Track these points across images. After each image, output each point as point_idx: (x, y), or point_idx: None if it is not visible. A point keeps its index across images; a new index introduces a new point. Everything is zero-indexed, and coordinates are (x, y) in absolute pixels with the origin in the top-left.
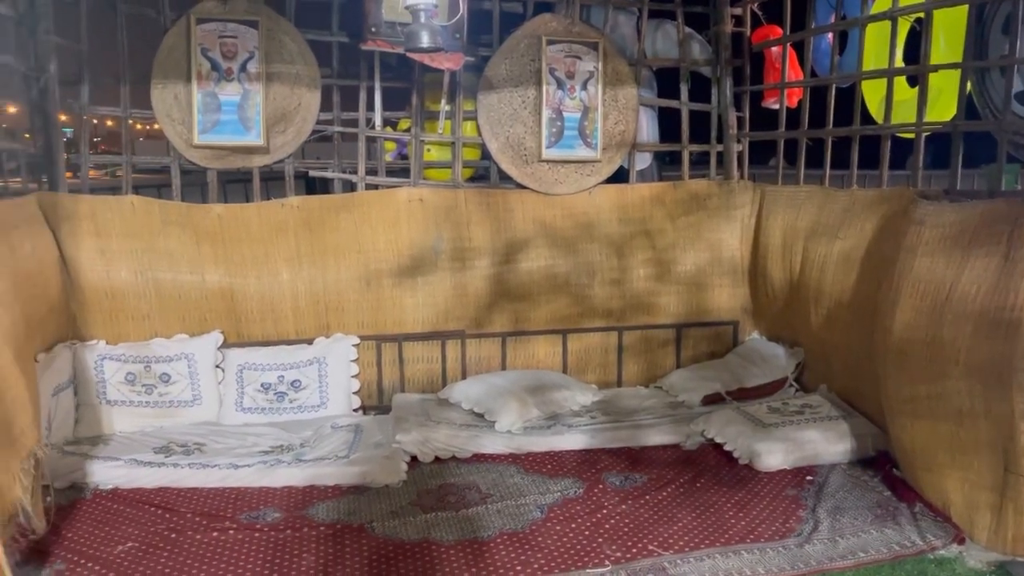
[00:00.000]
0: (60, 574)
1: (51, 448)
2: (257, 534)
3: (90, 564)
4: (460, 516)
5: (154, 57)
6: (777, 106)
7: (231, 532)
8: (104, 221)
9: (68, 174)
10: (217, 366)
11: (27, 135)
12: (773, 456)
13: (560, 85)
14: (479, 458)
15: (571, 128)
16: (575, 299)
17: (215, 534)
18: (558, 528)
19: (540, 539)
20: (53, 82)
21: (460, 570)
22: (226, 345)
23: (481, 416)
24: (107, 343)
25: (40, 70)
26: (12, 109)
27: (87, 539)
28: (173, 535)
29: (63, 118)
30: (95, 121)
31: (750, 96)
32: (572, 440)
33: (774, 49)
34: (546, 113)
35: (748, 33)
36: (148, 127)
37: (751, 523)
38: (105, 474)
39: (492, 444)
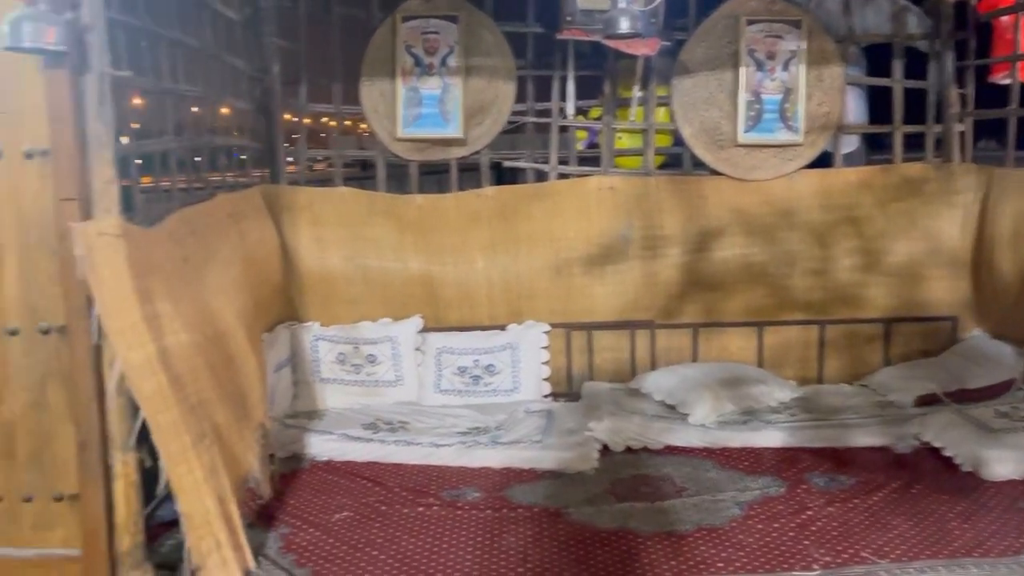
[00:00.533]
0: (285, 537)
1: (274, 421)
2: (459, 512)
3: (311, 530)
4: (656, 508)
5: (363, 56)
6: (1008, 81)
7: (435, 508)
8: (320, 211)
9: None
10: (417, 349)
11: (236, 132)
12: (1003, 465)
13: (759, 66)
14: (672, 450)
15: (771, 111)
16: (772, 290)
17: (420, 509)
18: (760, 527)
19: (741, 537)
20: (275, 82)
21: (659, 562)
22: (426, 329)
23: (673, 408)
24: (321, 325)
25: (264, 71)
26: (238, 108)
27: (307, 506)
28: (383, 507)
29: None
30: (295, 118)
31: (975, 71)
32: (770, 437)
33: (1004, 18)
34: (744, 96)
35: (975, 2)
36: (340, 123)
37: (978, 536)
38: (320, 447)
39: (685, 437)
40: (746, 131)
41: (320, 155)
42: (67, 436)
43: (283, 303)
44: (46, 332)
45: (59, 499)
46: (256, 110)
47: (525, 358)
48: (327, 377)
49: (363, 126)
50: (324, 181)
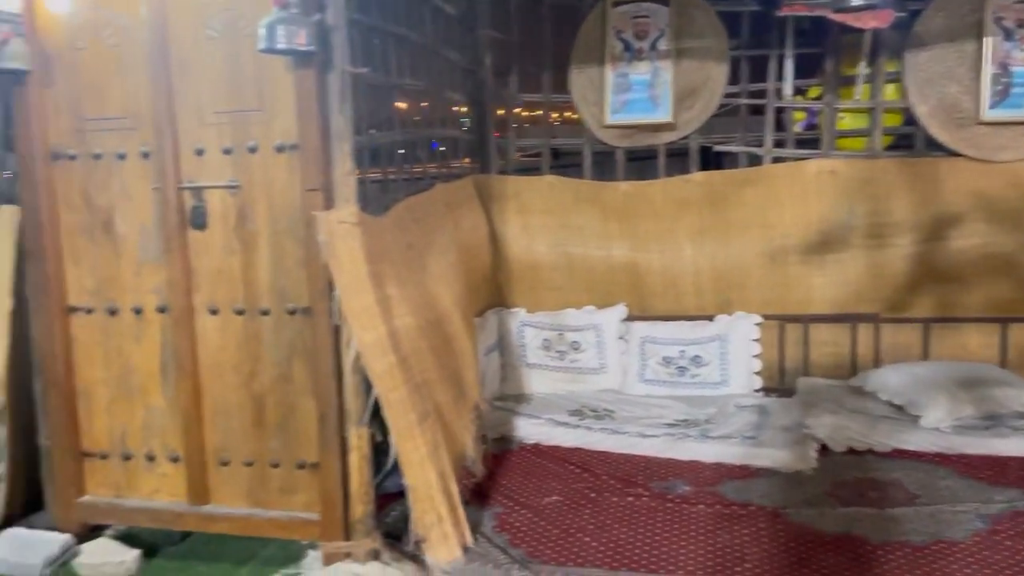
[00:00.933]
0: (498, 516)
1: (485, 402)
2: (670, 504)
3: (523, 511)
4: (885, 515)
5: (572, 44)
6: None
7: (645, 499)
8: (527, 199)
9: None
10: (621, 337)
11: (451, 124)
12: None
13: (1008, 36)
14: (900, 454)
15: (1020, 85)
16: (1019, 283)
17: (630, 499)
18: (1008, 544)
19: (987, 554)
20: (487, 73)
21: (892, 573)
22: (630, 318)
23: (901, 408)
24: (527, 311)
25: (477, 63)
26: (454, 100)
27: (518, 488)
28: (592, 494)
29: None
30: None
31: None
32: (1018, 445)
33: None
34: (989, 69)
35: None
36: (530, 112)
37: None
38: (528, 430)
39: (916, 440)
40: (992, 107)
41: (528, 144)
42: (309, 409)
43: (492, 289)
44: (292, 313)
45: (301, 466)
46: (468, 101)
47: (734, 350)
48: (533, 362)
49: (554, 115)
50: (530, 170)
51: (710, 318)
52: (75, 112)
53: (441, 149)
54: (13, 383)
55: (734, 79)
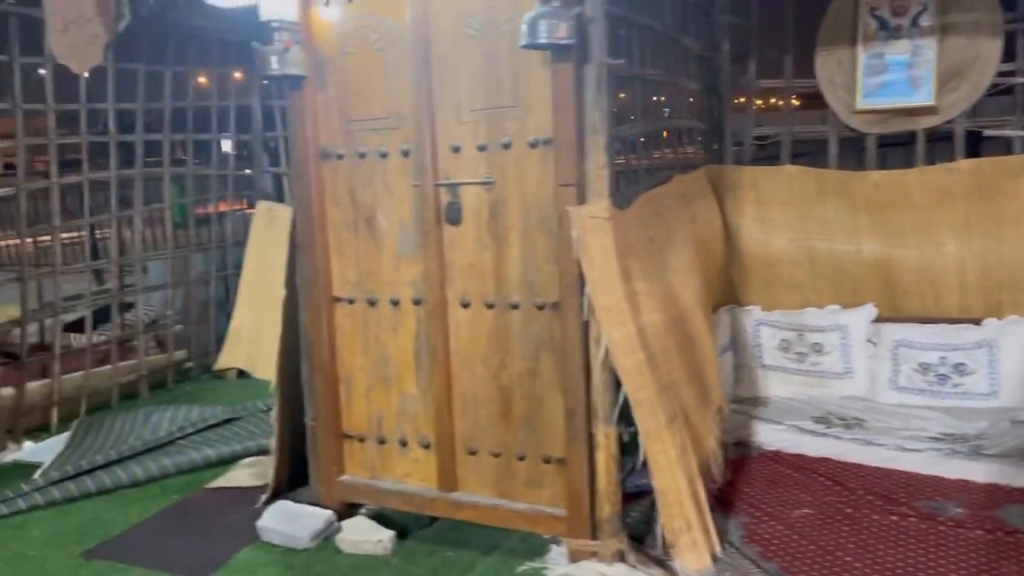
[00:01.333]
0: (746, 526)
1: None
2: (942, 527)
3: (771, 522)
4: None
5: (816, 25)
6: None
7: (911, 520)
8: (765, 190)
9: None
10: (869, 340)
11: (687, 113)
12: None
13: None
14: None
15: None
16: None
17: (894, 518)
18: None
19: None
20: (724, 60)
21: None
22: (880, 319)
23: None
24: (762, 309)
25: (713, 49)
26: (690, 89)
27: (762, 497)
28: (848, 510)
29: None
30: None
31: None
32: None
33: None
34: None
35: None
36: (739, 100)
37: None
38: (769, 436)
39: None
40: None
41: (769, 132)
42: (555, 404)
43: (725, 285)
44: (541, 307)
45: (547, 461)
46: (704, 89)
47: (1007, 358)
48: (769, 364)
49: (773, 100)
50: (766, 159)
51: (976, 321)
52: (343, 113)
53: (678, 138)
54: (285, 366)
55: (1009, 55)
